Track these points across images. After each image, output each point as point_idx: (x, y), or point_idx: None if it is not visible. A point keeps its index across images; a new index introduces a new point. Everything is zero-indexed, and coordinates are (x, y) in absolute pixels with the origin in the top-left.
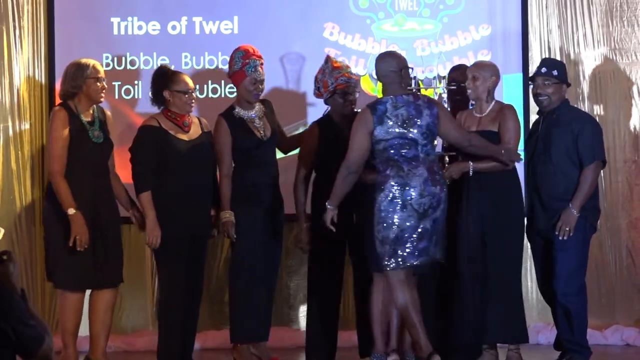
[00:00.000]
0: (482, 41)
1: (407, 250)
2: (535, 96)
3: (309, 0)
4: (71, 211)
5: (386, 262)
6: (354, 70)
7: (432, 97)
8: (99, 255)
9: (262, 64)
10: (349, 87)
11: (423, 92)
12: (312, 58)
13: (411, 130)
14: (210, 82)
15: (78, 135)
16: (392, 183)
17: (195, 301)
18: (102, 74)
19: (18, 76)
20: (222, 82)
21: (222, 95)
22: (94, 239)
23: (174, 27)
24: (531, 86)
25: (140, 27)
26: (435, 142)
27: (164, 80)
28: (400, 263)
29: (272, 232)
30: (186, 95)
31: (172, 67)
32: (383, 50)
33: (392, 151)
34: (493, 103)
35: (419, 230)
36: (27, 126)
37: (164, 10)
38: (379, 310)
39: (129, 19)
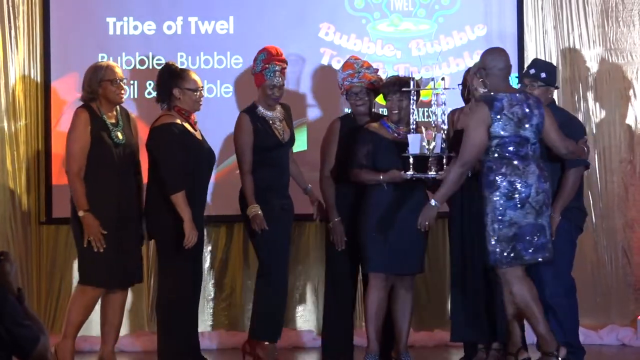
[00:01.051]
0: (477, 41)
1: (526, 247)
2: None
3: (305, 1)
4: (81, 213)
5: (504, 260)
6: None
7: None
8: (122, 254)
9: (283, 68)
10: (354, 87)
11: (423, 93)
12: (308, 58)
13: (525, 128)
14: (206, 81)
15: (101, 136)
16: (509, 180)
17: (197, 301)
18: (118, 75)
19: (13, 76)
20: (218, 81)
21: (218, 95)
22: (118, 237)
23: (169, 27)
24: (519, 85)
25: (135, 27)
26: (434, 142)
27: (173, 78)
28: (517, 259)
29: (285, 233)
30: (196, 94)
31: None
32: (378, 50)
33: (506, 149)
34: None
35: (537, 227)
36: (23, 126)
37: (160, 10)
38: (374, 311)
39: (125, 19)
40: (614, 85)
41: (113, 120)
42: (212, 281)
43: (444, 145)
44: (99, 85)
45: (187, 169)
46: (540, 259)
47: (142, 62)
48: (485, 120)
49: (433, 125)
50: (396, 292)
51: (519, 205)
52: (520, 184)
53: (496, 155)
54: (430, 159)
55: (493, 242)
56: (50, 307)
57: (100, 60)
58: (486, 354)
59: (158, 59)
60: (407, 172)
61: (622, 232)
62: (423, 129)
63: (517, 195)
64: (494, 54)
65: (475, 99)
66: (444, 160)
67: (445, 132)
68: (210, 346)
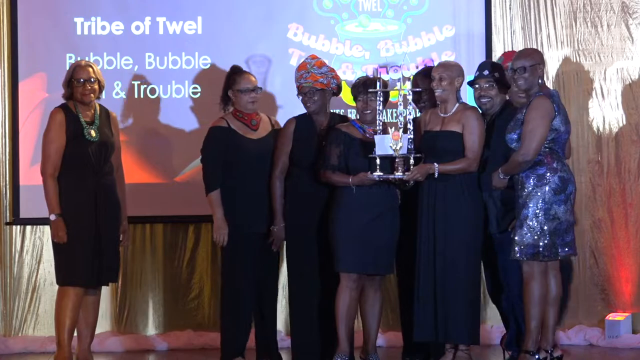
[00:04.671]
0: (445, 42)
1: (562, 241)
2: (478, 99)
3: (273, 1)
4: (52, 217)
5: (544, 253)
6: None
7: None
8: (96, 254)
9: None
10: (303, 87)
11: (392, 94)
12: (276, 59)
13: (568, 124)
14: (173, 82)
15: (76, 135)
16: (559, 176)
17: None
18: (84, 75)
19: None
20: (186, 82)
21: (186, 96)
22: (93, 237)
23: (137, 27)
24: (472, 90)
25: (103, 27)
26: (400, 143)
27: (229, 80)
28: (553, 255)
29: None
30: (246, 94)
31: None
32: (347, 51)
33: (558, 143)
34: (457, 104)
35: (570, 223)
36: None
37: (128, 10)
38: (345, 311)
39: (93, 19)
40: (582, 85)
41: (88, 119)
42: (181, 281)
43: (410, 146)
44: (67, 84)
45: (228, 169)
46: (564, 254)
47: (109, 63)
48: (551, 113)
49: (400, 125)
50: (365, 292)
51: (564, 201)
52: (567, 180)
53: (547, 149)
54: (397, 160)
55: (529, 235)
56: (18, 309)
57: (68, 60)
58: (453, 355)
59: (126, 59)
60: (374, 174)
61: (589, 232)
62: (390, 130)
63: (565, 191)
64: (537, 53)
65: (535, 94)
66: (411, 161)
67: (411, 131)
68: (178, 346)
